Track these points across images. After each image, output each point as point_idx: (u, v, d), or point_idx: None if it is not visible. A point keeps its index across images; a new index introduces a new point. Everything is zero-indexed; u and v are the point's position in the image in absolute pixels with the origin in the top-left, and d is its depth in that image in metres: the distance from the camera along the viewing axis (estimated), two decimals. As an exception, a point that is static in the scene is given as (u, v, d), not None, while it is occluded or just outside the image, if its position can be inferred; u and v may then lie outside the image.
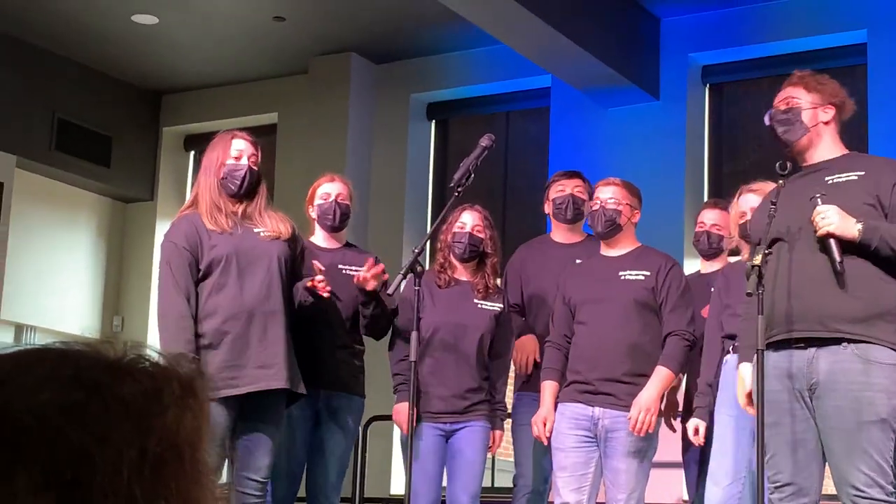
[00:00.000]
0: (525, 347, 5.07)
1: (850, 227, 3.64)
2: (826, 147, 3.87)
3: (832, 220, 3.64)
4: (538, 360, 4.98)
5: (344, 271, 4.83)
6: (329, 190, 4.91)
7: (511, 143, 8.38)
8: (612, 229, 4.73)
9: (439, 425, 4.83)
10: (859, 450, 3.60)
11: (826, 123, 3.86)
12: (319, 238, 4.95)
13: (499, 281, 5.13)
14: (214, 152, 4.47)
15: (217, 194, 4.41)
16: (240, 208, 4.44)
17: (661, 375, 4.53)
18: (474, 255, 4.95)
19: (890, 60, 6.77)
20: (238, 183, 4.42)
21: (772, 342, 3.74)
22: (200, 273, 4.32)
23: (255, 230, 4.42)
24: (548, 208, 5.28)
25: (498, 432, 4.89)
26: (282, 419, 4.40)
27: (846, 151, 3.90)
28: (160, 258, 4.40)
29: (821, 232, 3.65)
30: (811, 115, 3.85)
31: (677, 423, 5.18)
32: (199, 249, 4.33)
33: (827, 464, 3.73)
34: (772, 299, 3.73)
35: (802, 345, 3.71)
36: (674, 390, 5.05)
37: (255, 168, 4.47)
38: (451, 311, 4.87)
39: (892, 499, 3.63)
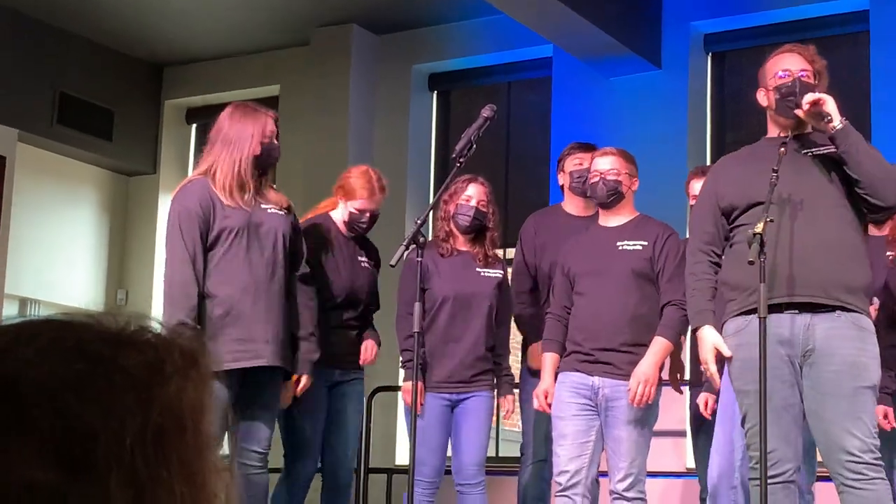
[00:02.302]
0: (534, 349, 5.09)
1: (838, 114, 3.76)
2: (809, 129, 3.98)
3: (828, 97, 3.77)
4: None
5: (362, 263, 5.03)
6: (366, 207, 4.97)
7: (513, 113, 8.36)
8: (615, 198, 4.74)
9: (445, 395, 4.88)
10: (854, 415, 3.65)
11: None
12: (339, 220, 5.02)
13: (499, 252, 5.18)
14: (247, 127, 4.38)
15: (246, 169, 4.35)
16: (254, 182, 4.44)
17: (658, 346, 4.55)
18: (477, 227, 4.98)
19: (892, 27, 6.74)
20: (273, 163, 4.50)
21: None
22: (209, 242, 4.32)
23: (264, 205, 4.43)
24: (562, 179, 5.29)
25: (510, 397, 4.98)
26: (279, 393, 4.46)
27: None
28: (169, 221, 4.36)
29: (811, 98, 3.76)
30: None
31: (685, 390, 5.22)
32: (212, 217, 4.31)
33: (812, 430, 3.77)
34: (773, 263, 3.75)
35: (796, 311, 3.73)
36: (677, 351, 5.05)
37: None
38: (458, 281, 4.92)
39: (880, 462, 3.68)
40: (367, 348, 4.94)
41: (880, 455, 3.69)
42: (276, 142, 4.46)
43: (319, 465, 4.90)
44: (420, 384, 4.77)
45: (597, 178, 4.76)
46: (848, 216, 3.79)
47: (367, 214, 4.98)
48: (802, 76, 3.90)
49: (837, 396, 3.67)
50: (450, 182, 4.76)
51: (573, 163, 5.23)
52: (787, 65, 3.95)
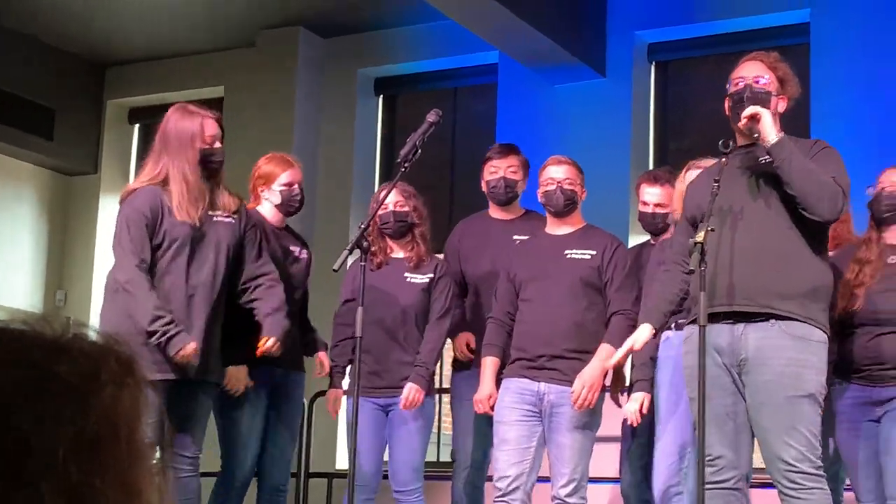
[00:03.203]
0: (460, 340, 5.11)
1: (773, 129, 3.77)
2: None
3: (763, 111, 3.78)
4: (472, 345, 5.04)
5: (294, 253, 4.94)
6: (291, 178, 4.92)
7: (458, 118, 8.37)
8: (570, 207, 4.78)
9: (376, 399, 4.88)
10: (789, 425, 3.67)
11: (780, 115, 3.98)
12: (269, 214, 4.94)
13: (435, 253, 5.17)
14: (187, 132, 4.39)
15: (196, 179, 4.37)
16: (207, 191, 4.44)
17: (605, 352, 4.57)
18: (404, 228, 5.01)
19: (832, 40, 6.85)
20: (215, 166, 4.44)
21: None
22: (153, 245, 4.32)
23: (211, 213, 4.43)
24: (483, 187, 5.29)
25: (414, 387, 4.82)
26: (211, 398, 4.49)
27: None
28: (119, 222, 4.35)
29: (749, 112, 3.78)
30: (774, 103, 3.94)
31: (623, 398, 5.22)
32: (159, 225, 4.32)
33: (756, 438, 3.80)
34: (714, 273, 3.80)
35: (731, 320, 3.77)
36: (620, 367, 5.09)
37: (222, 149, 4.51)
38: (379, 289, 4.91)
39: (820, 472, 3.71)
40: (323, 364, 4.92)
41: (821, 464, 3.72)
42: (218, 144, 4.44)
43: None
44: (340, 390, 4.83)
45: (553, 187, 4.78)
46: (785, 224, 3.79)
47: (297, 186, 4.91)
48: (757, 83, 3.92)
49: (771, 406, 3.70)
50: (391, 188, 4.76)
51: (489, 171, 5.21)
52: (744, 72, 3.97)
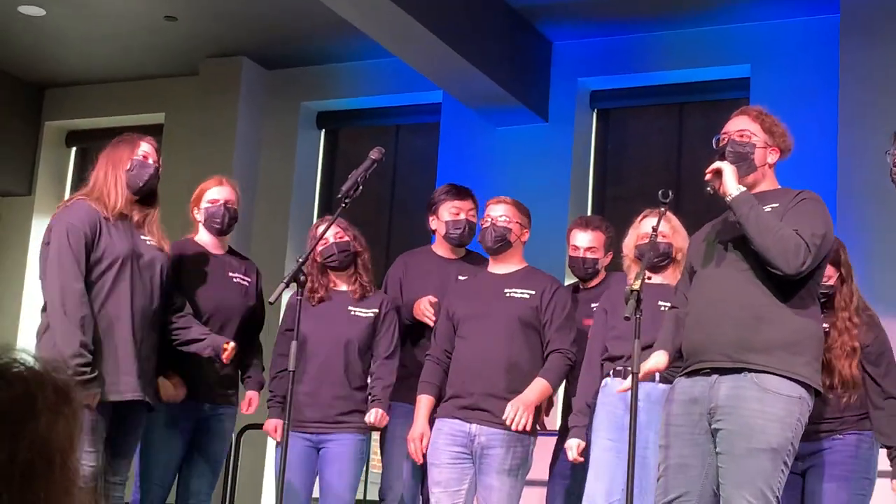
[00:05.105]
0: (418, 307, 5.05)
1: (734, 184, 3.77)
2: (764, 187, 3.93)
3: (725, 167, 3.80)
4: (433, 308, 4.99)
5: (234, 279, 4.89)
6: (218, 195, 4.88)
7: (400, 156, 8.40)
8: (502, 245, 4.79)
9: (307, 435, 4.83)
10: (746, 477, 3.65)
11: (770, 166, 3.96)
12: (205, 240, 4.91)
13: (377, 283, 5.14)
14: (120, 149, 4.42)
15: (124, 190, 4.35)
16: (135, 214, 4.40)
17: (539, 385, 4.58)
18: (348, 259, 4.99)
19: (771, 94, 6.97)
20: (145, 179, 4.39)
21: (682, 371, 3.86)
22: (90, 264, 4.25)
23: (143, 237, 4.41)
24: (435, 224, 5.26)
25: (379, 411, 4.78)
26: (142, 424, 4.43)
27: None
28: (54, 238, 4.26)
29: (713, 167, 3.80)
30: (762, 155, 3.93)
31: (549, 440, 5.22)
32: (97, 240, 4.27)
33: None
34: (686, 330, 3.85)
35: (707, 370, 3.78)
36: (550, 399, 5.07)
37: (158, 172, 4.46)
38: (320, 322, 4.88)
39: None
40: (250, 402, 4.86)
41: None
42: (150, 162, 4.41)
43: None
44: (279, 421, 4.73)
45: (487, 224, 4.80)
46: (759, 277, 3.75)
47: (221, 202, 4.86)
48: (738, 137, 3.92)
49: (731, 456, 3.68)
50: (331, 223, 4.74)
51: (450, 211, 5.18)
52: (728, 127, 3.98)
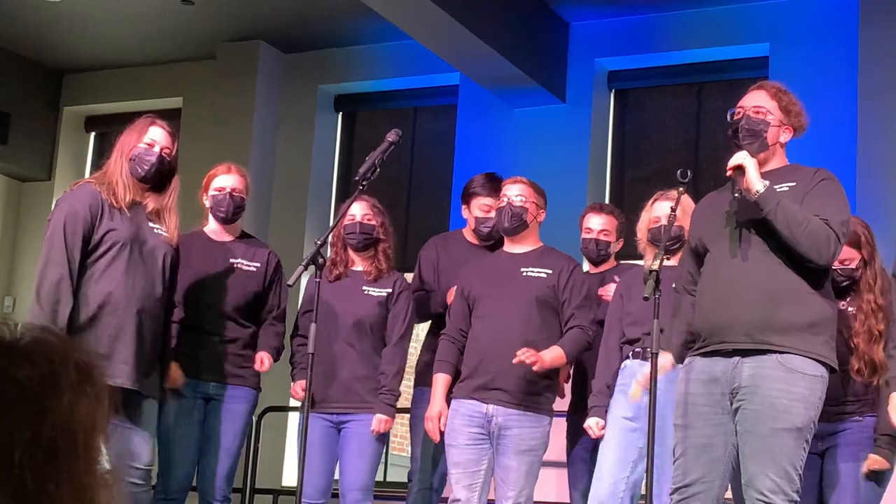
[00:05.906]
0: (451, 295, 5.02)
1: (758, 180, 3.71)
2: (774, 165, 3.91)
3: (748, 162, 3.73)
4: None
5: (235, 265, 4.88)
6: (224, 183, 4.88)
7: (417, 138, 8.39)
8: (519, 226, 4.77)
9: (327, 415, 4.84)
10: (769, 455, 3.65)
11: (782, 144, 3.94)
12: (212, 228, 4.92)
13: (392, 266, 5.13)
14: (130, 135, 4.40)
15: (128, 178, 4.33)
16: (149, 201, 4.38)
17: (556, 351, 4.57)
18: (368, 243, 4.98)
19: (790, 73, 6.93)
20: (147, 168, 4.35)
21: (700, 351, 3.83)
22: (90, 247, 4.24)
23: (152, 225, 4.37)
24: (466, 214, 5.24)
25: (382, 417, 4.79)
26: (156, 408, 4.41)
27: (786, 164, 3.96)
28: (53, 220, 4.25)
29: (734, 162, 3.74)
30: (775, 133, 3.91)
31: (563, 421, 5.22)
32: (99, 222, 4.25)
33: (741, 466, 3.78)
34: (701, 310, 3.81)
35: (728, 351, 3.77)
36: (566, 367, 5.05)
37: (166, 158, 4.41)
38: (337, 301, 4.87)
39: None
40: (262, 362, 4.81)
41: (797, 499, 3.70)
42: (154, 150, 4.37)
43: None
44: (301, 382, 4.72)
45: (504, 204, 4.79)
46: (782, 260, 3.74)
47: (228, 190, 4.86)
48: (757, 114, 3.88)
49: (755, 435, 3.68)
50: (349, 205, 4.73)
51: (481, 207, 5.16)
52: (746, 101, 3.95)
